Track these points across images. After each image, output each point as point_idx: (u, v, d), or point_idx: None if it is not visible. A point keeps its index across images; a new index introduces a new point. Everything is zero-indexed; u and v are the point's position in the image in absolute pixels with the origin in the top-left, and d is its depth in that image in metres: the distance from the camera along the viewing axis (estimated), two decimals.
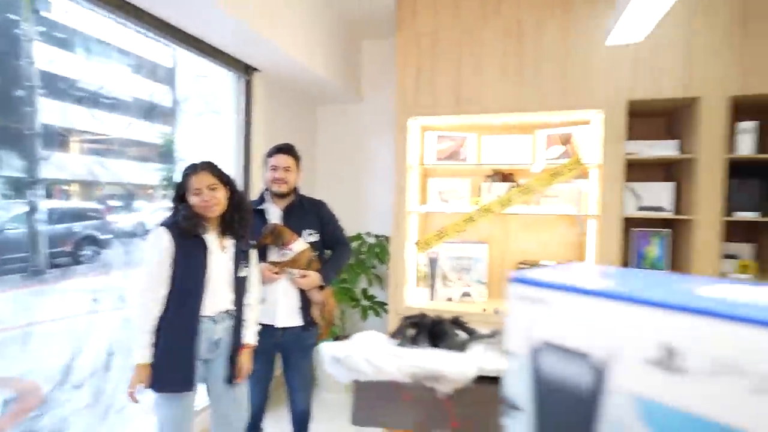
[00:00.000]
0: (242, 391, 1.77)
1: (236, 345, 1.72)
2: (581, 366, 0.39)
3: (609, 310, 0.37)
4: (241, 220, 1.74)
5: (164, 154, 2.91)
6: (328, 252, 2.16)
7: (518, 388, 0.45)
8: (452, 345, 0.86)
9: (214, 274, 1.65)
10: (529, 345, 0.43)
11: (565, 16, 2.54)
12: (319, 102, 3.56)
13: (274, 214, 2.05)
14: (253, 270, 1.82)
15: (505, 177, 2.84)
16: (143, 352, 1.53)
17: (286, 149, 2.06)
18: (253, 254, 1.84)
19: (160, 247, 1.57)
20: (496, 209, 2.51)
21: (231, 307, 1.71)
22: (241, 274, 1.75)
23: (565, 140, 2.73)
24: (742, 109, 2.39)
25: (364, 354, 0.74)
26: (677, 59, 2.40)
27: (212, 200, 1.63)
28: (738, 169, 2.37)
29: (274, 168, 2.02)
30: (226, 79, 2.70)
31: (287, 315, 1.97)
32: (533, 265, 2.74)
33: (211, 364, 1.68)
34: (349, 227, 3.18)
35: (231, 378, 1.70)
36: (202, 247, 1.63)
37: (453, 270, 2.84)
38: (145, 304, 1.56)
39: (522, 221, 2.90)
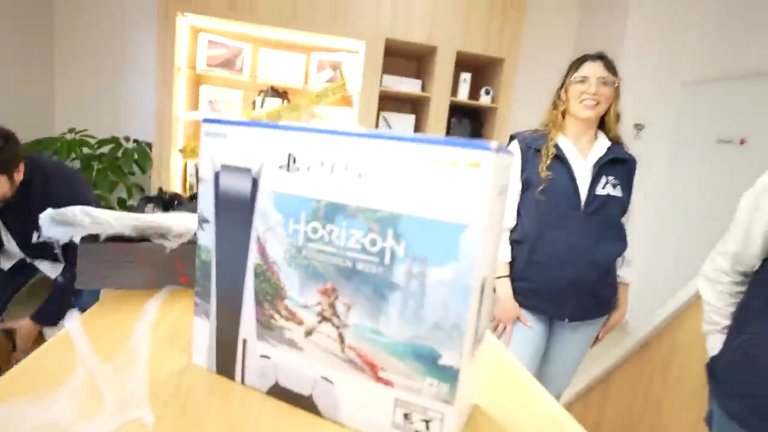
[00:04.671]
0: None
1: None
2: (244, 177, 0.53)
3: (259, 135, 0.51)
4: None
5: None
6: None
7: (206, 205, 0.57)
8: (187, 210, 0.95)
9: None
10: (213, 170, 0.55)
11: None
12: None
13: None
14: None
15: (277, 93, 2.91)
16: None
17: None
18: None
19: None
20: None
21: None
22: None
23: (335, 66, 2.94)
24: (461, 62, 2.98)
25: (83, 208, 0.76)
26: (426, 12, 2.81)
27: None
28: (455, 110, 3.00)
29: None
30: None
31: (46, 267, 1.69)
32: None
33: None
34: (104, 130, 2.80)
35: None
36: None
37: None
38: None
39: None
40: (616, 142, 1.43)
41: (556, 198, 1.37)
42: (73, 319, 0.70)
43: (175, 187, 2.70)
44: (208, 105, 2.75)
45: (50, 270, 1.69)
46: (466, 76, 2.96)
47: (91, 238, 0.83)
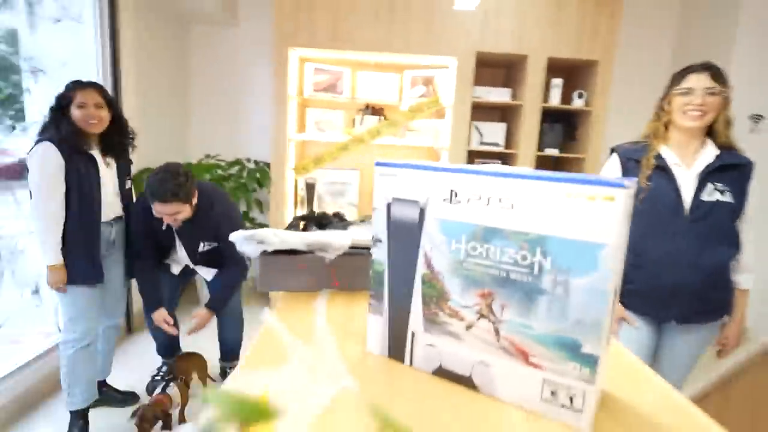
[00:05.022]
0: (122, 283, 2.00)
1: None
2: (413, 208, 0.69)
3: (424, 175, 0.67)
4: (122, 144, 1.82)
5: None
6: None
7: (380, 229, 0.74)
8: (335, 228, 1.15)
9: (105, 186, 1.73)
10: (386, 201, 0.72)
11: None
12: (192, 20, 3.35)
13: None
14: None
15: (375, 111, 3.14)
16: (56, 255, 1.64)
17: None
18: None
19: (50, 162, 1.60)
20: (367, 139, 2.81)
21: (120, 213, 1.88)
22: (127, 186, 1.91)
23: (427, 82, 3.10)
24: (553, 68, 2.99)
25: (271, 230, 0.98)
26: (515, 23, 2.87)
27: (96, 117, 1.66)
28: (546, 115, 3.01)
29: None
30: None
31: (204, 271, 2.09)
32: None
33: (107, 260, 1.84)
34: (229, 153, 3.22)
35: (127, 273, 1.96)
36: (92, 162, 1.68)
37: (328, 193, 3.13)
38: (48, 215, 1.62)
39: (389, 152, 3.27)
40: (728, 148, 1.40)
41: (658, 206, 1.39)
42: (270, 315, 0.92)
43: (288, 200, 3.03)
44: (314, 126, 3.06)
45: (207, 274, 2.05)
46: (557, 81, 2.96)
47: (266, 252, 1.06)
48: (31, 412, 2.01)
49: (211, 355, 2.21)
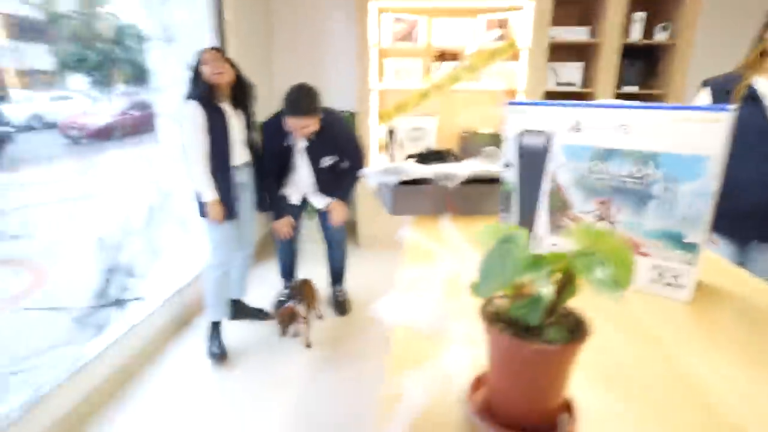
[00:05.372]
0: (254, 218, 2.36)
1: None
2: (541, 137, 0.87)
3: (554, 111, 0.85)
4: (246, 96, 2.09)
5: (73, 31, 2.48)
6: None
7: (511, 154, 0.93)
8: (452, 160, 1.35)
9: (234, 135, 2.02)
10: (516, 131, 0.91)
11: None
12: None
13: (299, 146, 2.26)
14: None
15: (451, 57, 3.21)
16: (213, 193, 2.00)
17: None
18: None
19: (197, 117, 1.90)
20: (447, 85, 2.93)
21: (247, 158, 2.18)
22: (252, 134, 2.21)
23: (503, 24, 3.11)
24: (637, 2, 2.88)
25: (406, 162, 1.20)
26: None
27: (219, 68, 1.94)
28: (627, 51, 2.94)
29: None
30: None
31: (317, 200, 2.42)
32: (474, 133, 3.27)
33: (239, 200, 2.17)
34: None
35: (257, 207, 2.32)
36: (223, 114, 1.98)
37: (408, 139, 3.31)
38: (200, 161, 1.96)
39: (464, 97, 3.36)
40: None
41: (746, 132, 1.45)
42: (408, 231, 1.16)
43: (372, 146, 3.26)
44: (393, 74, 3.21)
45: (320, 202, 2.41)
46: (641, 15, 2.86)
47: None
48: (185, 327, 2.49)
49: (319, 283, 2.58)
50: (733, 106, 0.69)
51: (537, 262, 0.45)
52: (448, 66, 3.10)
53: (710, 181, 0.70)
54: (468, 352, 0.62)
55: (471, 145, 3.27)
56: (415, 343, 0.66)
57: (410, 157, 1.49)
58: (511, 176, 0.94)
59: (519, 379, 0.48)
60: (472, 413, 0.52)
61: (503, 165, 0.95)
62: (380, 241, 3.37)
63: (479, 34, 3.14)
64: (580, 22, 3.21)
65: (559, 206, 0.88)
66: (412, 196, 1.28)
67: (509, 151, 0.93)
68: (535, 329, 0.45)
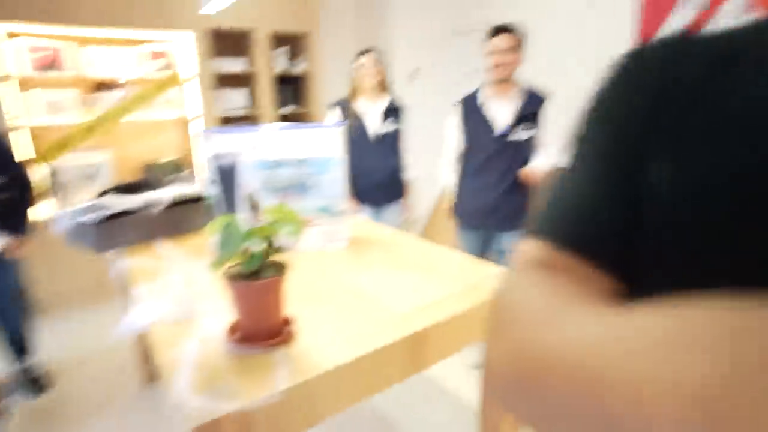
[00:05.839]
0: None
1: None
2: (231, 157, 1.16)
3: (237, 136, 1.15)
4: None
5: None
6: None
7: (210, 173, 1.18)
8: (148, 189, 1.47)
9: None
10: (211, 154, 1.17)
11: None
12: None
13: None
14: None
15: (110, 87, 3.07)
16: None
17: None
18: None
19: None
20: (116, 118, 2.82)
21: None
22: None
23: (164, 55, 3.20)
24: (278, 39, 3.54)
25: (108, 196, 1.26)
26: (244, 1, 3.23)
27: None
28: (279, 79, 3.59)
29: None
30: None
31: None
32: (155, 163, 3.25)
33: None
34: None
35: None
36: None
37: (78, 178, 2.99)
38: None
39: (137, 127, 3.27)
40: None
41: (353, 137, 2.20)
42: (123, 264, 1.25)
43: None
44: (46, 109, 2.80)
45: None
46: (283, 50, 3.53)
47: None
48: None
49: None
50: (344, 122, 1.17)
51: (249, 233, 0.74)
52: (110, 97, 2.97)
53: (339, 171, 1.16)
54: (219, 318, 0.85)
55: (155, 174, 3.25)
56: (173, 329, 0.85)
57: (103, 193, 1.51)
58: (213, 191, 1.19)
59: (253, 308, 0.76)
60: (230, 343, 0.77)
61: (209, 182, 1.19)
62: (70, 298, 2.93)
63: (141, 63, 3.13)
64: (239, 54, 3.65)
65: (253, 205, 1.19)
66: (117, 229, 1.34)
67: (209, 171, 1.18)
68: (257, 273, 0.75)
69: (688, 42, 0.32)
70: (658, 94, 0.31)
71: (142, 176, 3.22)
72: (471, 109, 1.93)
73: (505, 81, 1.83)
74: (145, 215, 1.37)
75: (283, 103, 3.67)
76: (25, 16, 2.57)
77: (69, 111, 2.90)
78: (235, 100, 3.51)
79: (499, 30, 1.80)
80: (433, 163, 2.28)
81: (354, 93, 2.20)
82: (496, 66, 1.80)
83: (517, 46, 1.79)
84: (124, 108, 2.84)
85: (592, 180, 0.33)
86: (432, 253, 1.19)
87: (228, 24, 3.23)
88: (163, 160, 3.33)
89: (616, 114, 0.34)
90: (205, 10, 2.51)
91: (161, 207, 1.38)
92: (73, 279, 2.91)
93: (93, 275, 2.93)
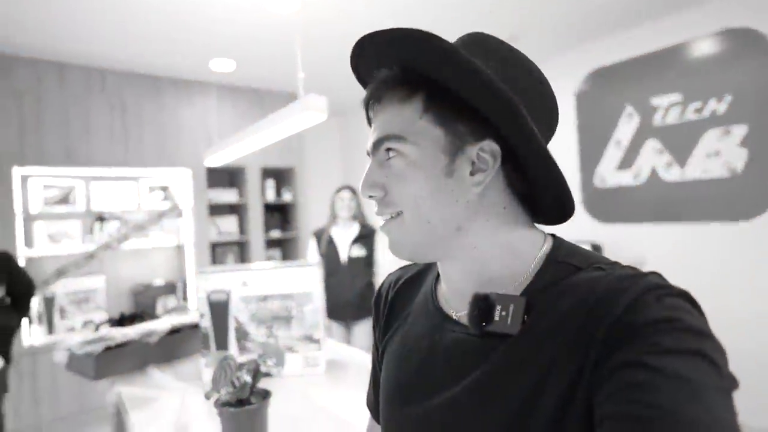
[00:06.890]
0: None
1: None
2: (223, 293, 1.35)
3: (229, 275, 1.35)
4: None
5: None
6: None
7: (203, 308, 1.35)
8: (147, 319, 1.60)
9: None
10: (205, 292, 1.35)
11: (158, 96, 3.36)
12: None
13: None
14: None
15: (113, 218, 3.32)
16: None
17: None
18: None
19: None
20: (113, 245, 3.01)
21: None
22: None
23: (165, 188, 3.53)
24: (266, 173, 3.95)
25: (112, 329, 1.39)
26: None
27: None
28: (268, 207, 3.92)
29: None
30: None
31: None
32: (147, 287, 3.38)
33: None
34: None
35: None
36: None
37: (72, 303, 3.07)
38: None
39: (133, 253, 3.45)
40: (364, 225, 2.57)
41: (328, 261, 2.42)
42: (115, 390, 1.34)
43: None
44: (47, 240, 2.99)
45: None
46: (271, 182, 3.92)
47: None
48: None
49: None
50: (318, 259, 1.37)
51: (241, 366, 0.90)
52: (111, 225, 3.20)
53: (317, 303, 1.34)
54: None
55: (147, 298, 3.35)
56: None
57: (105, 323, 1.64)
58: (205, 323, 1.35)
59: (242, 431, 0.89)
60: None
61: (199, 316, 1.35)
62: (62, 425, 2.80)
63: (143, 196, 3.44)
64: (230, 185, 4.02)
65: (242, 335, 1.34)
66: (115, 358, 1.45)
67: (202, 306, 1.35)
68: (246, 400, 0.89)
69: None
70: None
71: (135, 306, 3.30)
72: None
73: None
74: (142, 344, 1.49)
75: (272, 227, 3.95)
76: (41, 161, 2.89)
77: (70, 240, 3.10)
78: (227, 225, 3.78)
79: None
80: None
81: (332, 220, 2.49)
82: None
83: None
84: (124, 236, 3.05)
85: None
86: None
87: (222, 162, 3.63)
88: (156, 283, 3.46)
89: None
90: (207, 162, 2.88)
91: (157, 337, 1.51)
92: (64, 405, 2.82)
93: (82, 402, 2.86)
